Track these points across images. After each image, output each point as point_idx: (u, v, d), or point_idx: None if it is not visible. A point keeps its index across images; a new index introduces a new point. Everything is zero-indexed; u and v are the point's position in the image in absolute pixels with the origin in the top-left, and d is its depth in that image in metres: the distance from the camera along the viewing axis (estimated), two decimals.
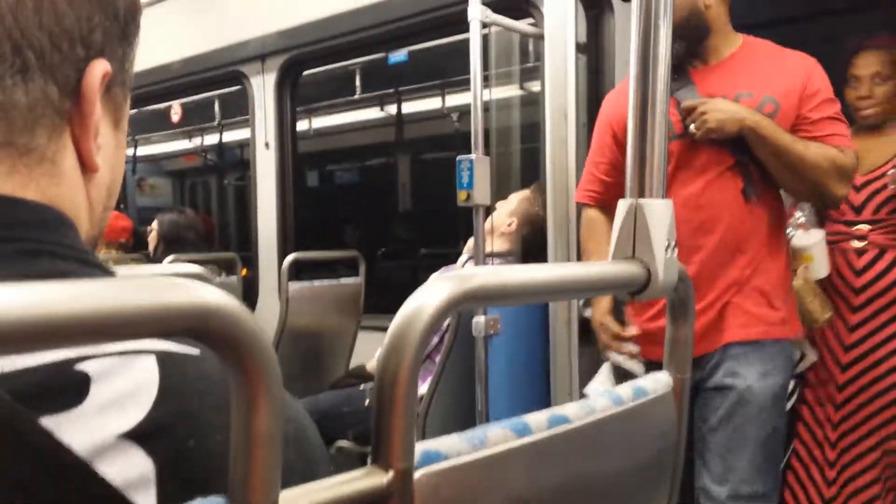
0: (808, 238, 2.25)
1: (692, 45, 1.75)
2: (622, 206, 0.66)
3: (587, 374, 2.26)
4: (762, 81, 1.73)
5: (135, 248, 4.63)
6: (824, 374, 2.33)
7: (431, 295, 0.48)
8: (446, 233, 4.94)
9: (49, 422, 0.39)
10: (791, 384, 2.25)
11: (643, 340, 1.87)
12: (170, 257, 2.96)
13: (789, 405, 2.28)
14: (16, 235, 0.44)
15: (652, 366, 1.81)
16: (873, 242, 2.27)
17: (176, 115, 5.18)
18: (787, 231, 2.20)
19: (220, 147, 6.90)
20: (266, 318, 3.28)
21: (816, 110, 1.72)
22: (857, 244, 2.29)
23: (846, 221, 2.33)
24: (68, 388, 0.40)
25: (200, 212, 6.61)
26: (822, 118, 1.71)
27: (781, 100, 1.71)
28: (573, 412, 0.59)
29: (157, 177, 7.62)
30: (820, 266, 2.23)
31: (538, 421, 0.55)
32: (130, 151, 5.65)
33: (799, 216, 2.26)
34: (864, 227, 2.28)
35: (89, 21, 0.47)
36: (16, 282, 0.29)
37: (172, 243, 3.53)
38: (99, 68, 0.48)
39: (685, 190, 1.76)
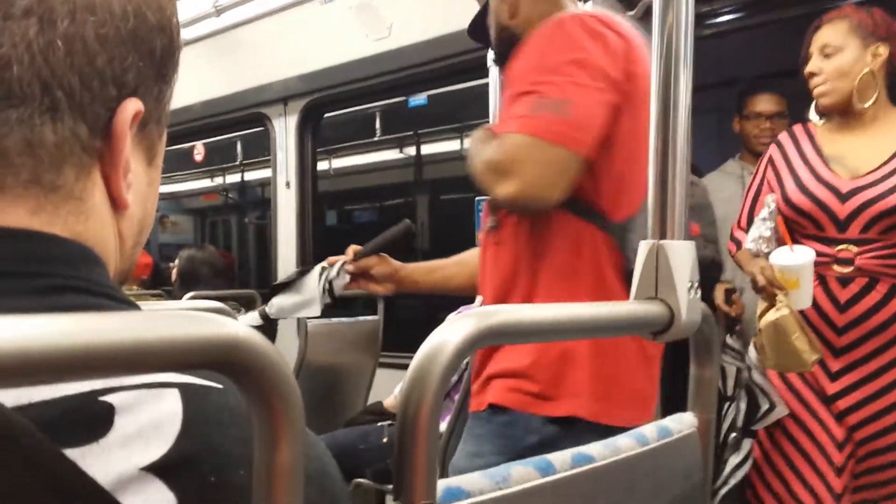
0: (795, 258, 1.76)
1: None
2: (644, 246, 0.66)
3: None
4: None
5: (155, 284, 4.67)
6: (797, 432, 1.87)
7: (453, 332, 0.48)
8: None
9: (73, 453, 0.39)
10: (748, 445, 1.88)
11: None
12: (189, 294, 2.98)
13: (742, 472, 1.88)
14: (42, 270, 0.45)
15: None
16: (861, 269, 1.74)
17: (199, 155, 5.27)
18: (754, 247, 1.83)
19: (242, 186, 6.99)
20: (284, 355, 3.28)
21: (508, 100, 1.25)
22: (839, 269, 1.77)
23: (826, 239, 1.80)
24: (93, 419, 0.40)
25: (220, 249, 6.68)
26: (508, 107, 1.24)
27: None
28: (597, 451, 0.58)
29: (179, 214, 7.71)
30: (805, 294, 1.74)
31: (562, 460, 0.55)
32: None
33: (762, 228, 1.82)
34: (851, 249, 1.76)
35: (122, 61, 0.47)
36: (43, 314, 0.29)
37: (188, 278, 3.56)
38: (131, 107, 0.48)
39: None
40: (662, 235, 0.65)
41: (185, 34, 3.50)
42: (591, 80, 1.16)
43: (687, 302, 0.63)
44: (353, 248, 1.69)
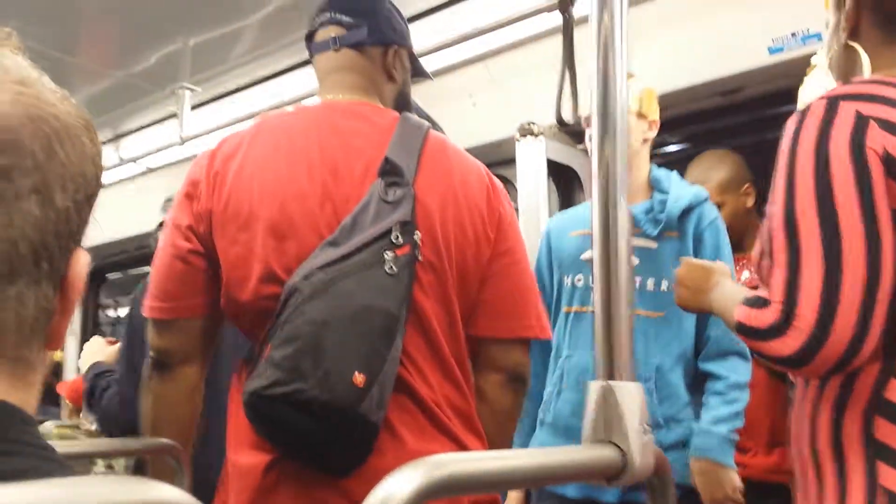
0: None
1: None
2: (592, 388, 0.64)
3: None
4: None
5: None
6: None
7: (400, 486, 0.47)
8: None
9: None
10: None
11: None
12: None
13: None
14: None
15: None
16: None
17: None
18: None
19: None
20: None
21: None
22: None
23: None
24: None
25: None
26: None
27: None
28: None
29: None
30: None
31: None
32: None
33: None
34: None
35: (85, 221, 0.49)
36: None
37: None
38: (83, 259, 0.49)
39: None
40: (610, 376, 0.64)
41: (151, 161, 3.55)
42: (168, 238, 1.10)
43: (640, 445, 0.61)
44: None
